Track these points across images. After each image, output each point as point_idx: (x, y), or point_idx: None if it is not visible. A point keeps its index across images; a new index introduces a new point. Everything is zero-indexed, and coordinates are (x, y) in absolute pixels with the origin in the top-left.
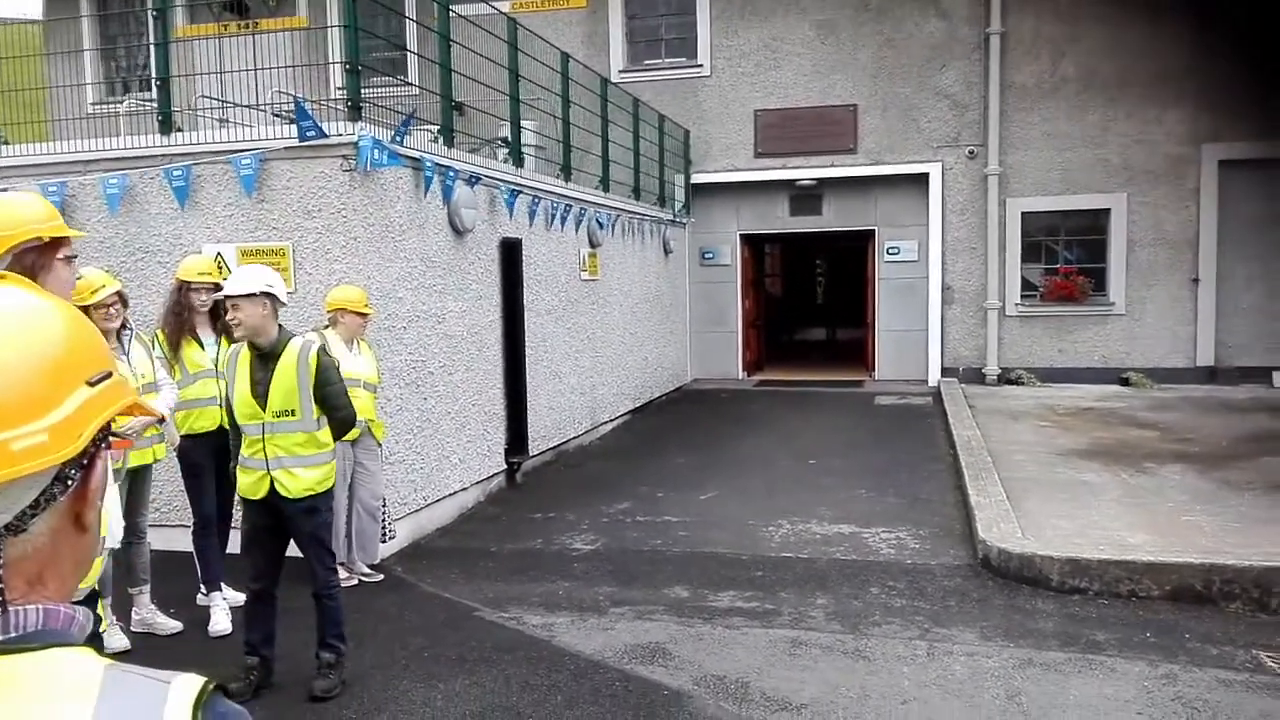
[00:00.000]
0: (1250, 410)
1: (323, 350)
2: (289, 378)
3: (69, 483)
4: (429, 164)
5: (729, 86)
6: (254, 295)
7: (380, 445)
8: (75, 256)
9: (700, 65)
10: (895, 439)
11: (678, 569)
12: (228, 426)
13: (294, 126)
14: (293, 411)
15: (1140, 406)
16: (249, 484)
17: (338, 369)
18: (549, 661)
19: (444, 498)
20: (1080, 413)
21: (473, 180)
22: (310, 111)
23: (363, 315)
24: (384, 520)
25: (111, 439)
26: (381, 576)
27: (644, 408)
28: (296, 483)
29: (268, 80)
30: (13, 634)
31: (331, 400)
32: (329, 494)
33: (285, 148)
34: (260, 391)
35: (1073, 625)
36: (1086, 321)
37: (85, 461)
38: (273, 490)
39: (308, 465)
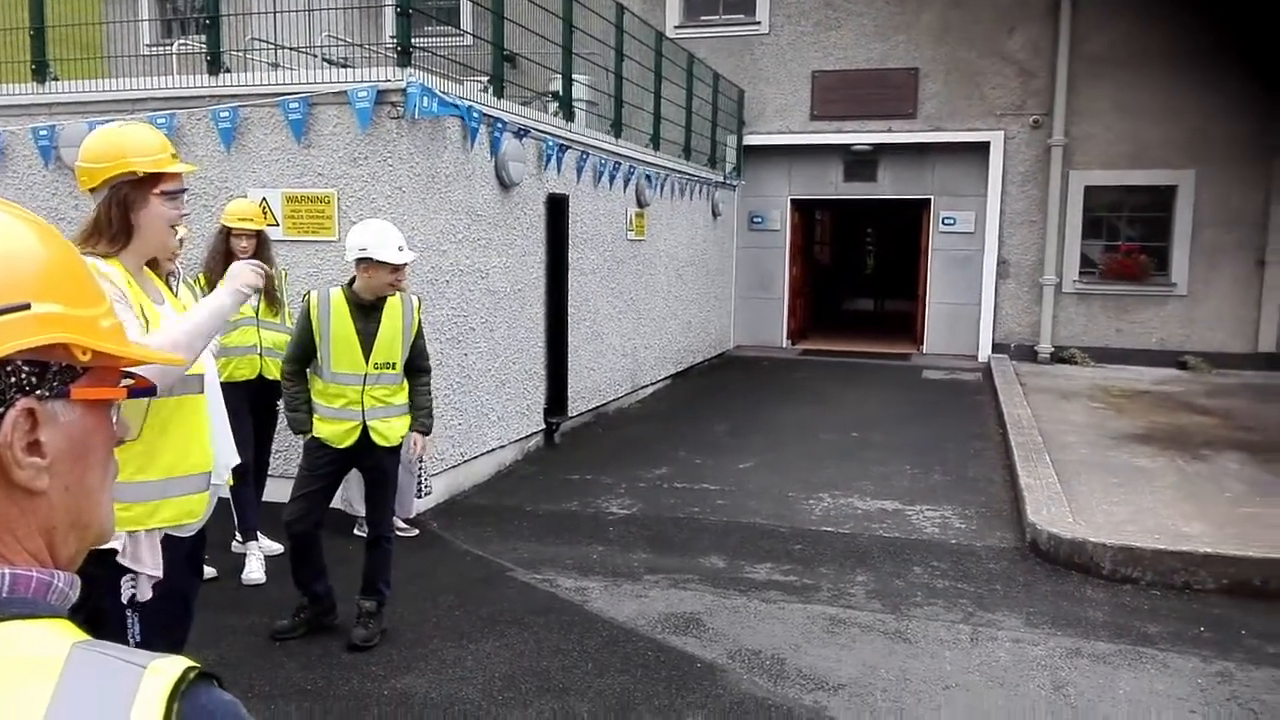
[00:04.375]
0: None
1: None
2: (394, 329)
3: None
4: (477, 114)
5: (787, 45)
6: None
7: None
8: (181, 192)
9: (758, 23)
10: (942, 415)
11: (715, 538)
12: (282, 376)
13: (343, 70)
14: (393, 364)
15: (1198, 391)
16: (337, 433)
17: None
18: (581, 627)
19: (482, 455)
20: (1135, 395)
21: (521, 133)
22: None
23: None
24: (420, 475)
25: (126, 383)
26: (416, 532)
27: (685, 372)
28: (393, 431)
29: (320, 23)
30: None
31: (422, 352)
32: None
33: (333, 93)
34: (365, 342)
35: (1123, 616)
36: (1145, 302)
37: None
38: (364, 439)
39: (400, 414)
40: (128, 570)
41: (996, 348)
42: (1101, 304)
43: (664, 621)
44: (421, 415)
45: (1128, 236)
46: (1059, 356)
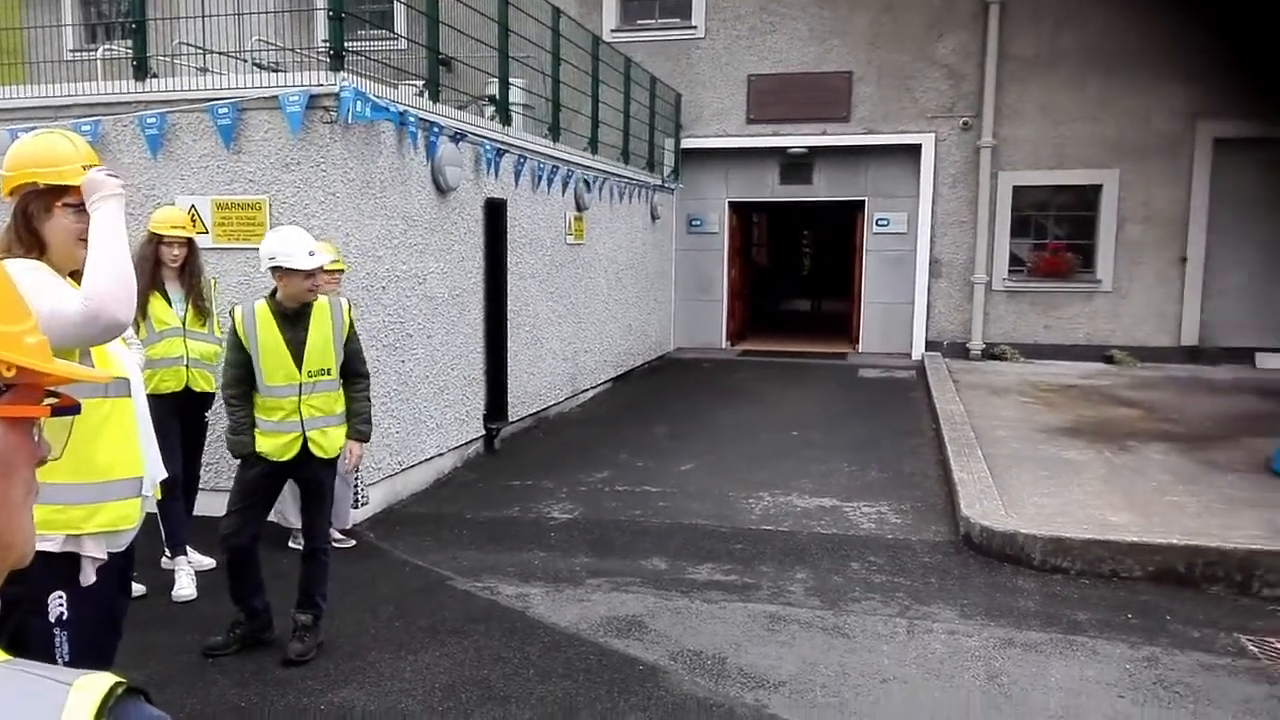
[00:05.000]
0: (1233, 391)
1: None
2: (324, 335)
3: None
4: (413, 119)
5: (723, 50)
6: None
7: None
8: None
9: (694, 27)
10: (878, 412)
11: (656, 540)
12: (226, 403)
13: (274, 75)
14: (328, 370)
15: (1124, 385)
16: (277, 446)
17: None
18: (523, 633)
19: (420, 463)
20: (1064, 390)
21: (458, 137)
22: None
23: (330, 273)
24: (357, 485)
25: (49, 401)
26: (353, 543)
27: (626, 375)
28: (332, 441)
29: (250, 28)
30: None
31: (357, 355)
32: None
33: (263, 98)
34: (296, 351)
35: (1054, 605)
36: (1073, 298)
37: None
38: (303, 451)
39: (339, 424)
40: (55, 588)
41: (930, 345)
42: (1030, 301)
43: (606, 625)
44: (358, 422)
45: (1055, 235)
46: (990, 353)
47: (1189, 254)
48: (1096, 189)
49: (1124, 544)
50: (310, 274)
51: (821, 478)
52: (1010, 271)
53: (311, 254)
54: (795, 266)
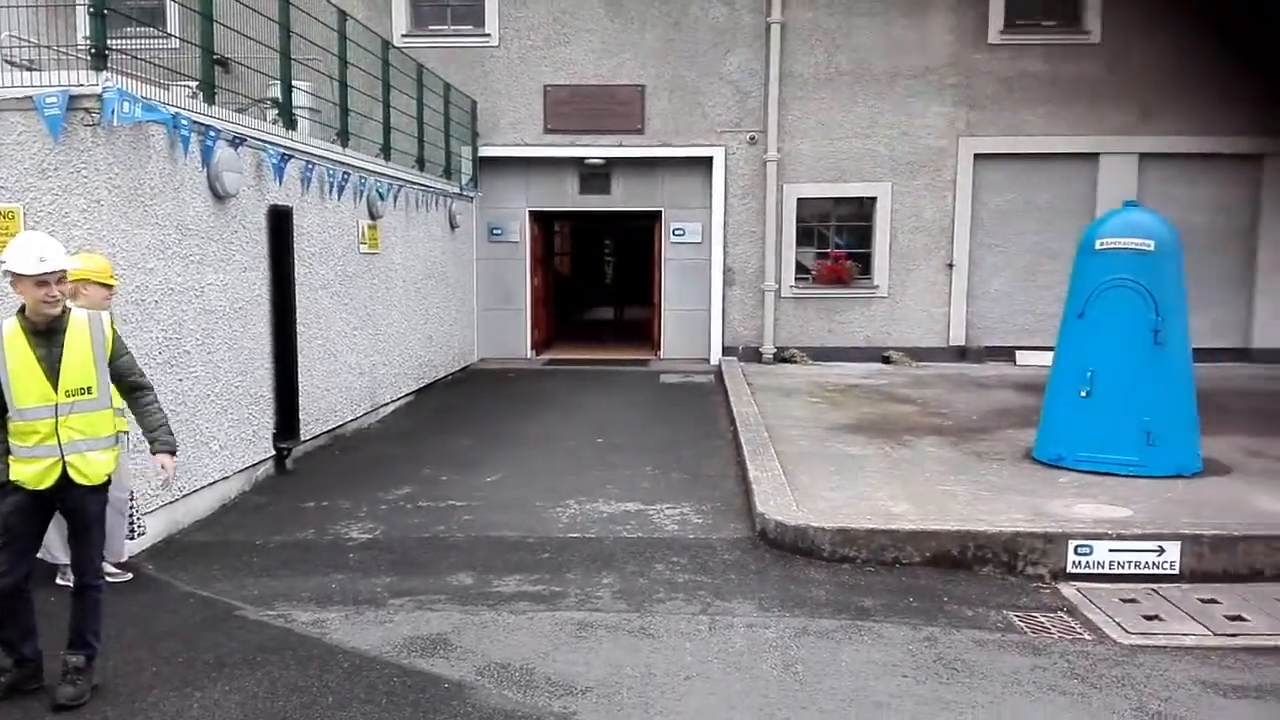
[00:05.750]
0: (996, 387)
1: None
2: (83, 351)
3: None
4: (186, 121)
5: (518, 59)
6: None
7: (126, 432)
8: None
9: (488, 35)
10: (679, 416)
11: (462, 555)
12: None
13: (29, 74)
14: (89, 389)
15: (900, 383)
16: (34, 474)
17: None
18: (320, 660)
19: (203, 488)
20: (847, 389)
21: (237, 142)
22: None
23: (108, 287)
24: (131, 514)
25: None
26: (130, 576)
27: (428, 388)
28: (94, 468)
29: (2, 22)
30: None
31: (131, 368)
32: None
33: (17, 98)
34: (50, 369)
35: (843, 593)
36: (853, 303)
37: None
38: (64, 478)
39: (105, 448)
40: None
41: (726, 350)
42: (815, 307)
43: (409, 645)
44: (159, 434)
45: (836, 244)
46: (780, 356)
47: (955, 261)
48: (872, 201)
49: (904, 532)
50: (42, 281)
51: (626, 483)
52: (797, 279)
53: (42, 259)
54: (598, 275)
